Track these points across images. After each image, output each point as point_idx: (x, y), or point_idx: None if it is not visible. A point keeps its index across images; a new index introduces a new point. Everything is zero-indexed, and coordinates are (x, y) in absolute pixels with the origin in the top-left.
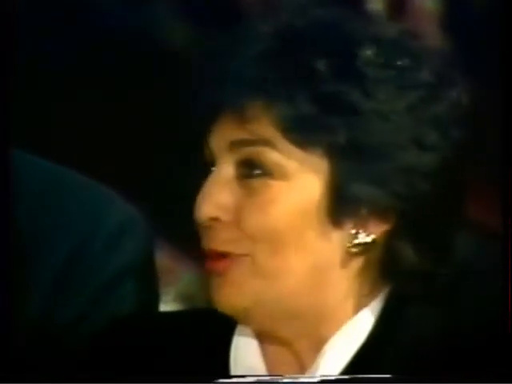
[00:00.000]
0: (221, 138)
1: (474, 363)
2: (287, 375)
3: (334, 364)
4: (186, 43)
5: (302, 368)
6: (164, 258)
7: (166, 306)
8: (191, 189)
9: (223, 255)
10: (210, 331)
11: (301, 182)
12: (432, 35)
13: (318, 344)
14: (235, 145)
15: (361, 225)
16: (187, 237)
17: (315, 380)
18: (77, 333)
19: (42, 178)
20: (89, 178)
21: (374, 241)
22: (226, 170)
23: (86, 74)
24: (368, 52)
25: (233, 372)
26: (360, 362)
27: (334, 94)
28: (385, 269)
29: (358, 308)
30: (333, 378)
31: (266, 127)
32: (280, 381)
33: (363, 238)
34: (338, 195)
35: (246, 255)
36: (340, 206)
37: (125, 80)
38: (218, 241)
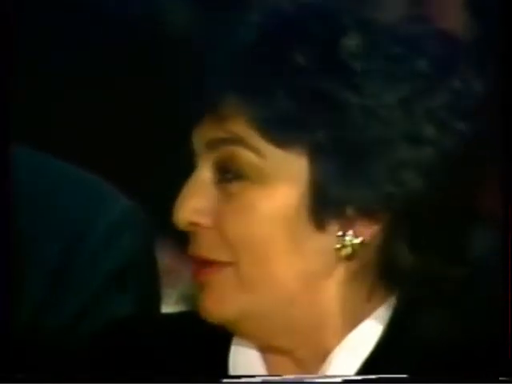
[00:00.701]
0: (199, 137)
1: (485, 364)
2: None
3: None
4: (182, 32)
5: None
6: (165, 258)
7: (168, 307)
8: None
9: (207, 262)
10: (209, 335)
11: (279, 184)
12: (454, 19)
13: (320, 353)
14: (211, 145)
15: (347, 226)
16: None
17: (324, 380)
18: (75, 333)
19: (39, 172)
20: (88, 173)
21: (362, 242)
22: (204, 172)
23: (83, 66)
24: (352, 42)
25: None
26: (367, 370)
27: (315, 88)
28: (382, 272)
29: (360, 315)
30: (349, 378)
31: (241, 125)
32: (287, 381)
33: (351, 239)
34: (319, 196)
35: (229, 264)
36: (323, 207)
37: (124, 76)
38: (201, 246)
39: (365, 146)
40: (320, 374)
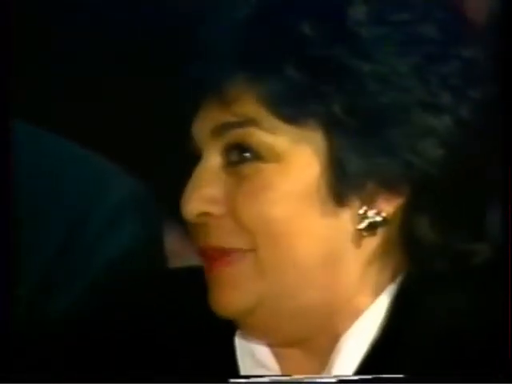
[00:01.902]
0: (203, 124)
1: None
2: (302, 375)
3: (349, 361)
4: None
5: (319, 367)
6: (172, 242)
7: None
8: None
9: (222, 252)
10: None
11: (295, 162)
12: None
13: (334, 340)
14: (219, 130)
15: (369, 201)
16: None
17: (332, 380)
18: (75, 319)
19: (41, 151)
20: (91, 151)
21: (385, 219)
22: (212, 159)
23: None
24: (359, 9)
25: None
26: (376, 358)
27: (325, 58)
28: (403, 249)
29: (376, 295)
30: (349, 378)
31: (251, 106)
32: (296, 381)
33: (373, 216)
34: (339, 171)
35: (248, 250)
36: (343, 183)
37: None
38: (215, 237)
39: (381, 115)
40: (330, 362)
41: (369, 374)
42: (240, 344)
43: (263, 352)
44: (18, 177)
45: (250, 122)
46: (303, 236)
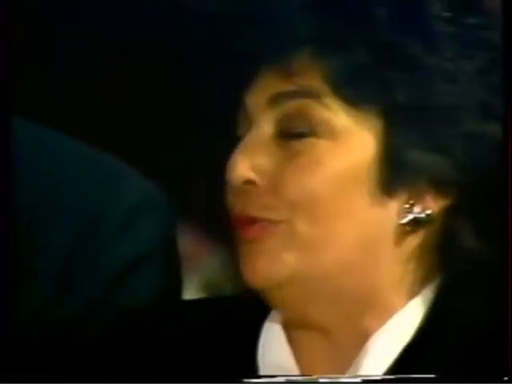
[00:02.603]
0: (260, 94)
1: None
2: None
3: (378, 363)
4: None
5: (341, 365)
6: (186, 243)
7: (189, 295)
8: (218, 167)
9: (257, 221)
10: (236, 325)
11: (351, 142)
12: None
13: (360, 336)
14: (276, 99)
15: (417, 197)
16: (212, 220)
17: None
18: (88, 324)
19: (47, 151)
20: (102, 151)
21: (429, 217)
22: (264, 128)
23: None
24: (438, 3)
25: (261, 370)
26: (406, 361)
27: (394, 44)
28: (441, 252)
29: (410, 297)
30: (374, 378)
31: (313, 79)
32: (313, 381)
33: (418, 212)
34: (393, 161)
35: (283, 222)
36: (395, 173)
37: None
38: (253, 206)
39: (441, 113)
40: (355, 363)
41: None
42: (262, 347)
43: (284, 354)
44: (25, 176)
45: (310, 94)
46: (345, 218)
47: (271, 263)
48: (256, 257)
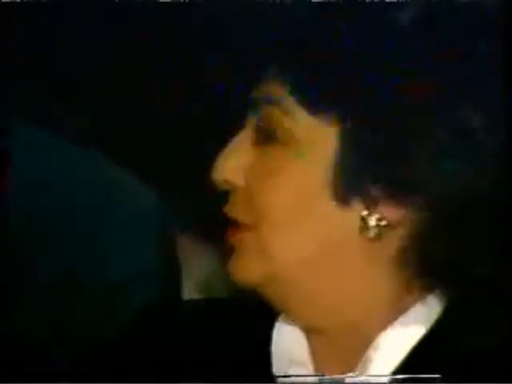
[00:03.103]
0: (248, 98)
1: None
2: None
3: (383, 365)
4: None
5: (348, 364)
6: (183, 249)
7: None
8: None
9: (234, 223)
10: (247, 323)
11: (308, 151)
12: None
13: (361, 340)
14: (253, 104)
15: (372, 206)
16: (207, 226)
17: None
18: (90, 334)
19: (52, 159)
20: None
21: (387, 226)
22: (245, 133)
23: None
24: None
25: (275, 366)
26: (410, 364)
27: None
28: (418, 263)
29: (399, 303)
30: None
31: (279, 88)
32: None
33: (375, 221)
34: (344, 170)
35: (252, 227)
36: (346, 182)
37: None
38: (232, 207)
39: (405, 124)
40: (361, 364)
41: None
42: (276, 343)
43: (300, 349)
44: (25, 186)
45: (273, 101)
46: (303, 225)
47: (245, 267)
48: (233, 260)
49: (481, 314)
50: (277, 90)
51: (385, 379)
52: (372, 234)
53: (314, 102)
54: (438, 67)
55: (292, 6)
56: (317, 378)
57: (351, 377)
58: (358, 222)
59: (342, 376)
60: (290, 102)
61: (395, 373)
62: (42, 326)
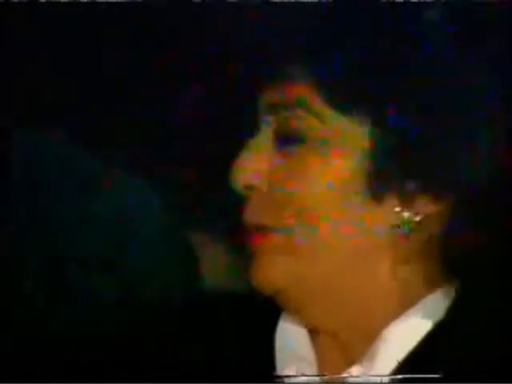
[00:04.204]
0: (263, 101)
1: None
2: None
3: (388, 360)
4: None
5: (351, 361)
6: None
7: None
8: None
9: (259, 228)
10: (253, 317)
11: (338, 150)
12: None
13: (368, 335)
14: (274, 108)
15: (406, 202)
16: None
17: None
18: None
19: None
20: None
21: (421, 221)
22: (265, 134)
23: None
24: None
25: (279, 362)
26: (415, 360)
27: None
28: (441, 257)
29: (415, 298)
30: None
31: (304, 89)
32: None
33: (409, 217)
34: (378, 167)
35: (280, 228)
36: (381, 179)
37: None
38: (253, 212)
39: (434, 123)
40: (366, 358)
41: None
42: (279, 338)
43: (304, 345)
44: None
45: (302, 104)
46: (334, 223)
47: (271, 271)
48: (257, 265)
49: (491, 310)
50: (300, 91)
51: (386, 379)
52: (405, 229)
53: (344, 102)
54: (471, 67)
55: (317, 4)
56: (317, 377)
57: (352, 377)
58: (391, 219)
59: (342, 376)
60: (318, 103)
61: (400, 368)
62: (58, 319)
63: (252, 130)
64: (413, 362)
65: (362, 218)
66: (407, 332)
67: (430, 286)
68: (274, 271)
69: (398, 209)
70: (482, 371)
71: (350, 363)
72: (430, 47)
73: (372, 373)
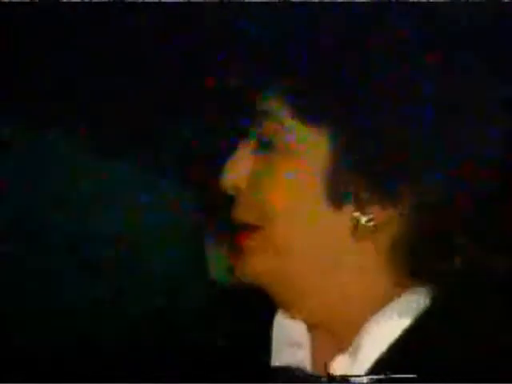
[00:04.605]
0: (252, 110)
1: None
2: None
3: (374, 347)
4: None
5: (340, 348)
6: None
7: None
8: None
9: (243, 227)
10: (251, 309)
11: (302, 158)
12: None
13: (351, 328)
14: (256, 117)
15: (362, 208)
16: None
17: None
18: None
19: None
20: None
21: (376, 226)
22: (248, 142)
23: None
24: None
25: (275, 347)
26: (391, 360)
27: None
28: (406, 259)
29: (388, 298)
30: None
31: (276, 103)
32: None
33: (365, 222)
34: (336, 177)
35: (259, 227)
36: (338, 188)
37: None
38: (238, 210)
39: (388, 137)
40: (351, 349)
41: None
42: (277, 324)
43: (298, 331)
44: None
45: (273, 114)
46: (299, 225)
47: (254, 264)
48: (240, 256)
49: (461, 311)
50: (275, 104)
51: (365, 379)
52: (362, 233)
53: (308, 116)
54: (432, 85)
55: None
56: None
57: (331, 376)
58: (349, 224)
59: (321, 376)
60: (286, 115)
61: (376, 368)
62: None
63: (243, 136)
64: (388, 363)
65: (322, 222)
66: (385, 326)
67: (400, 286)
68: (257, 265)
69: (355, 214)
70: (456, 371)
71: (340, 351)
72: (389, 65)
73: (353, 368)
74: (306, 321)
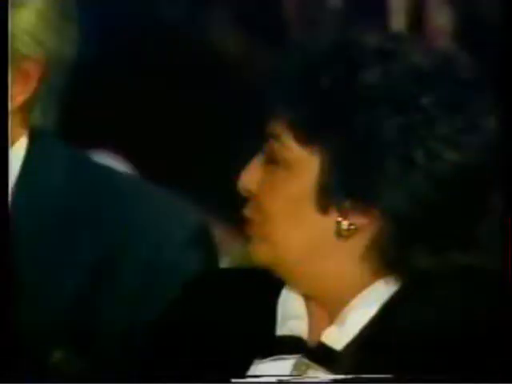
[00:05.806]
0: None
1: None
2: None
3: (356, 321)
4: (237, 54)
5: (331, 321)
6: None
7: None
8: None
9: (250, 221)
10: (259, 288)
11: (298, 173)
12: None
13: (341, 302)
14: (266, 136)
15: (344, 214)
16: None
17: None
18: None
19: (103, 185)
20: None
21: (356, 229)
22: (261, 155)
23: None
24: (371, 74)
25: (279, 319)
26: (365, 358)
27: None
28: (379, 257)
29: (368, 283)
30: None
31: (279, 125)
32: (301, 381)
33: (345, 226)
34: (323, 188)
35: (260, 223)
36: (324, 197)
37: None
38: (248, 208)
39: (367, 157)
40: (338, 322)
41: (359, 373)
42: (281, 302)
43: (298, 306)
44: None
45: (276, 136)
46: (289, 226)
47: (257, 250)
48: (251, 245)
49: (426, 304)
50: (278, 126)
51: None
52: (344, 234)
53: (304, 137)
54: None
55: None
56: (276, 378)
57: (311, 377)
58: (333, 227)
59: (300, 377)
60: (286, 136)
61: (355, 367)
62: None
63: (259, 150)
64: (366, 362)
65: (314, 223)
66: (365, 304)
67: (375, 274)
68: (259, 251)
69: (339, 219)
70: (428, 371)
71: (331, 323)
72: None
73: (340, 338)
74: (304, 294)
